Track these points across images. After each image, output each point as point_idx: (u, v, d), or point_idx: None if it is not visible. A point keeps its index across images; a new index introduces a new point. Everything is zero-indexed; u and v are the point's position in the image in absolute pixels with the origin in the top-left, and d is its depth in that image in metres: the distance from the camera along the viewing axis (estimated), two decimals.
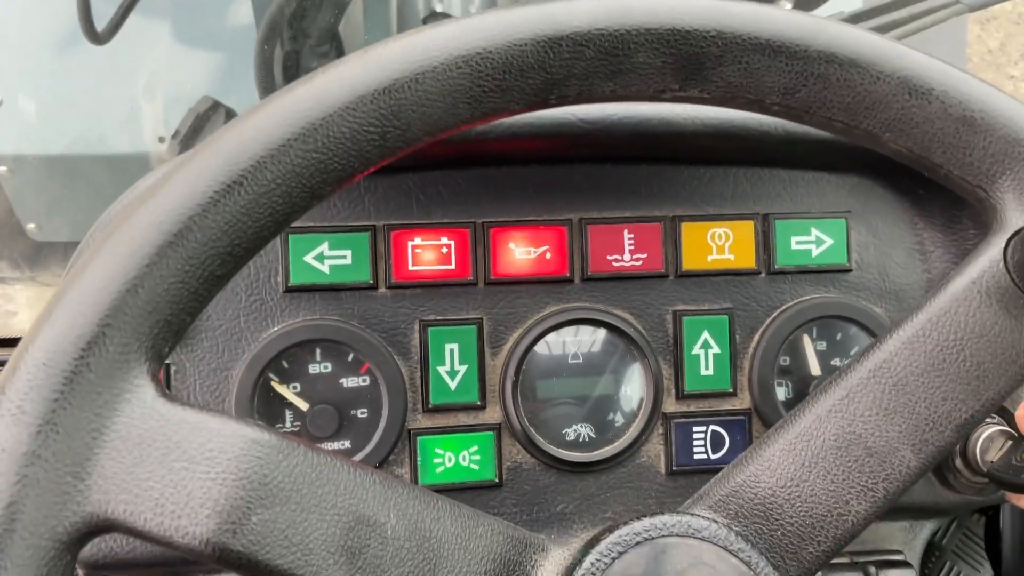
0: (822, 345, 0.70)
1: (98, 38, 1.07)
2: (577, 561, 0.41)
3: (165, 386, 0.63)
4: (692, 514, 0.43)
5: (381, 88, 0.40)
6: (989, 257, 0.45)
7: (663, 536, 0.41)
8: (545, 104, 0.44)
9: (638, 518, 0.42)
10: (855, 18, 0.89)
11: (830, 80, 0.45)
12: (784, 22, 0.44)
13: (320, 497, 0.38)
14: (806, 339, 0.70)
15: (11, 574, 0.34)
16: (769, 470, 0.43)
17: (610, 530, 0.42)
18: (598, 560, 0.41)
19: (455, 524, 0.40)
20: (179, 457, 0.37)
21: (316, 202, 0.41)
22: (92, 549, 0.61)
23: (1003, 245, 0.45)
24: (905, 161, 0.47)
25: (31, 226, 1.27)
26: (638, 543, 0.41)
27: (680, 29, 0.43)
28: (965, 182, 0.46)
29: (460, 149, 0.65)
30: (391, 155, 0.42)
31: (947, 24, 1.35)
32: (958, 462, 0.67)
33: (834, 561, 0.70)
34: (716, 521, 0.42)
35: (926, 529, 0.74)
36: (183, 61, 1.24)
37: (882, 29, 0.88)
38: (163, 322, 0.38)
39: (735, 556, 0.41)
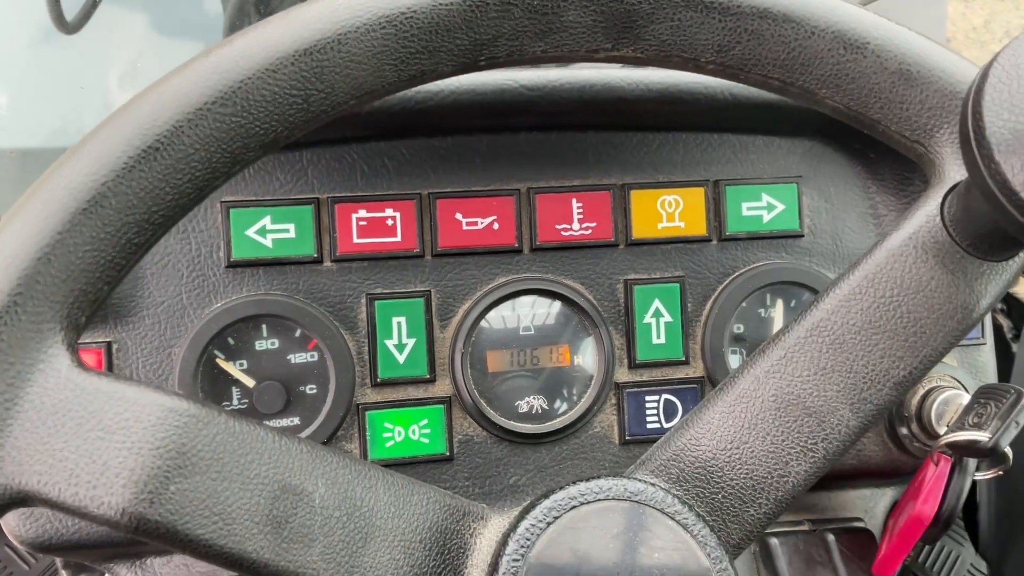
0: (776, 312, 0.69)
1: (68, 27, 1.06)
2: (512, 527, 0.40)
3: (107, 365, 0.62)
4: (630, 478, 0.41)
5: (302, 49, 0.39)
6: (926, 212, 0.43)
7: (599, 500, 0.40)
8: (475, 66, 0.43)
9: (574, 482, 0.40)
10: None
11: (764, 36, 0.44)
12: None
13: (242, 466, 0.37)
14: (780, 304, 0.69)
15: None
16: (709, 433, 0.43)
17: (546, 495, 0.40)
18: (533, 526, 0.39)
19: (388, 493, 0.39)
20: (94, 427, 0.35)
21: (239, 168, 0.40)
22: (35, 529, 0.60)
23: (940, 199, 0.43)
24: (843, 118, 0.46)
25: None
26: (573, 507, 0.40)
27: None
28: (903, 137, 0.45)
29: (404, 119, 0.63)
30: (317, 119, 0.41)
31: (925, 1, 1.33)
32: (914, 427, 0.66)
33: (793, 528, 0.70)
34: (655, 485, 0.41)
35: (886, 497, 0.73)
36: (157, 51, 1.23)
37: None
38: (78, 291, 0.37)
39: (672, 519, 0.40)
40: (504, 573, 0.38)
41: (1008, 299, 1.04)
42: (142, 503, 0.35)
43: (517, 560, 0.38)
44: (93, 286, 0.37)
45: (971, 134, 0.37)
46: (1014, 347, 0.96)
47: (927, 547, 1.33)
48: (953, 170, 0.43)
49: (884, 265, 0.43)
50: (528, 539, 0.39)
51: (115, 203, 0.37)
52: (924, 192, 0.44)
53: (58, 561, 0.78)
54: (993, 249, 0.42)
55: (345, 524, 0.38)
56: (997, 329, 1.02)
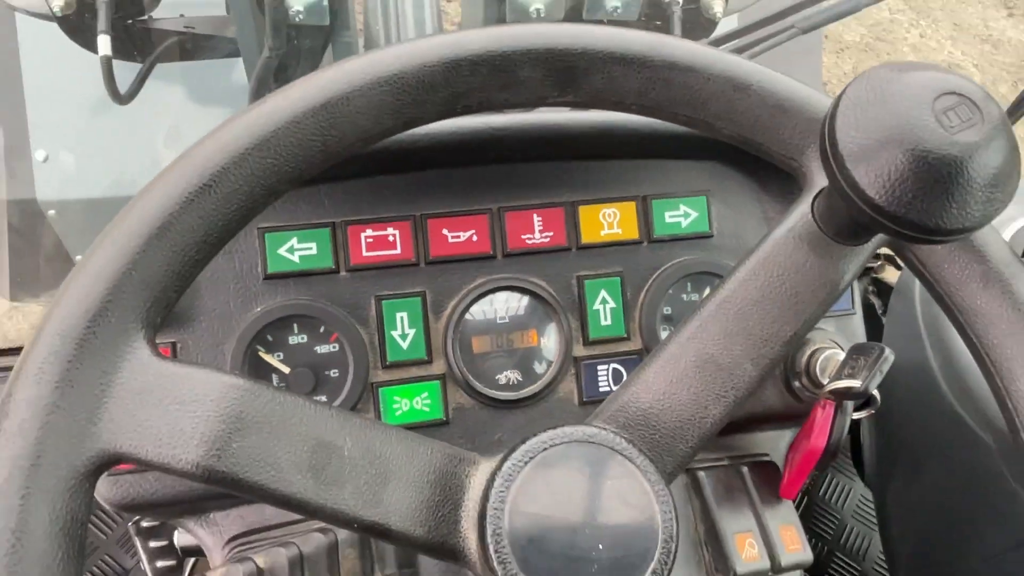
0: (695, 296, 0.73)
1: (121, 99, 1.06)
2: (498, 467, 0.42)
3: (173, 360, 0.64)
4: (588, 425, 0.44)
5: (319, 105, 0.42)
6: (800, 210, 0.47)
7: (565, 442, 0.42)
8: (454, 113, 0.47)
9: (544, 430, 0.43)
10: (717, 41, 0.91)
11: (673, 83, 0.47)
12: (635, 39, 0.47)
13: (286, 427, 0.39)
14: (706, 292, 0.71)
15: (40, 500, 0.35)
16: (646, 388, 0.45)
17: (523, 441, 0.43)
18: (514, 465, 0.42)
19: (401, 445, 0.42)
20: (172, 401, 0.38)
21: (274, 199, 0.43)
22: (120, 492, 0.62)
23: (810, 201, 0.47)
24: (735, 143, 0.49)
25: (79, 258, 1.26)
26: (545, 449, 0.42)
27: (555, 49, 0.46)
28: (782, 155, 0.48)
29: (400, 157, 0.67)
30: (332, 158, 0.44)
31: (803, 52, 1.37)
32: (804, 380, 0.70)
33: (716, 464, 0.72)
34: (606, 429, 0.44)
35: (786, 437, 0.76)
36: (196, 115, 1.24)
37: (740, 50, 0.91)
38: (154, 297, 0.39)
39: (621, 454, 0.43)
40: (493, 503, 0.40)
41: (878, 283, 1.08)
42: (211, 458, 0.38)
43: (503, 492, 0.41)
44: (165, 293, 0.40)
45: (828, 150, 0.40)
46: (884, 320, 1.00)
47: (826, 482, 1.36)
48: (819, 178, 0.46)
49: (771, 252, 0.47)
50: (511, 475, 0.41)
51: (179, 228, 0.39)
52: (798, 196, 0.48)
53: (131, 528, 0.78)
54: (851, 236, 0.46)
55: (368, 470, 0.40)
56: (870, 307, 1.05)
